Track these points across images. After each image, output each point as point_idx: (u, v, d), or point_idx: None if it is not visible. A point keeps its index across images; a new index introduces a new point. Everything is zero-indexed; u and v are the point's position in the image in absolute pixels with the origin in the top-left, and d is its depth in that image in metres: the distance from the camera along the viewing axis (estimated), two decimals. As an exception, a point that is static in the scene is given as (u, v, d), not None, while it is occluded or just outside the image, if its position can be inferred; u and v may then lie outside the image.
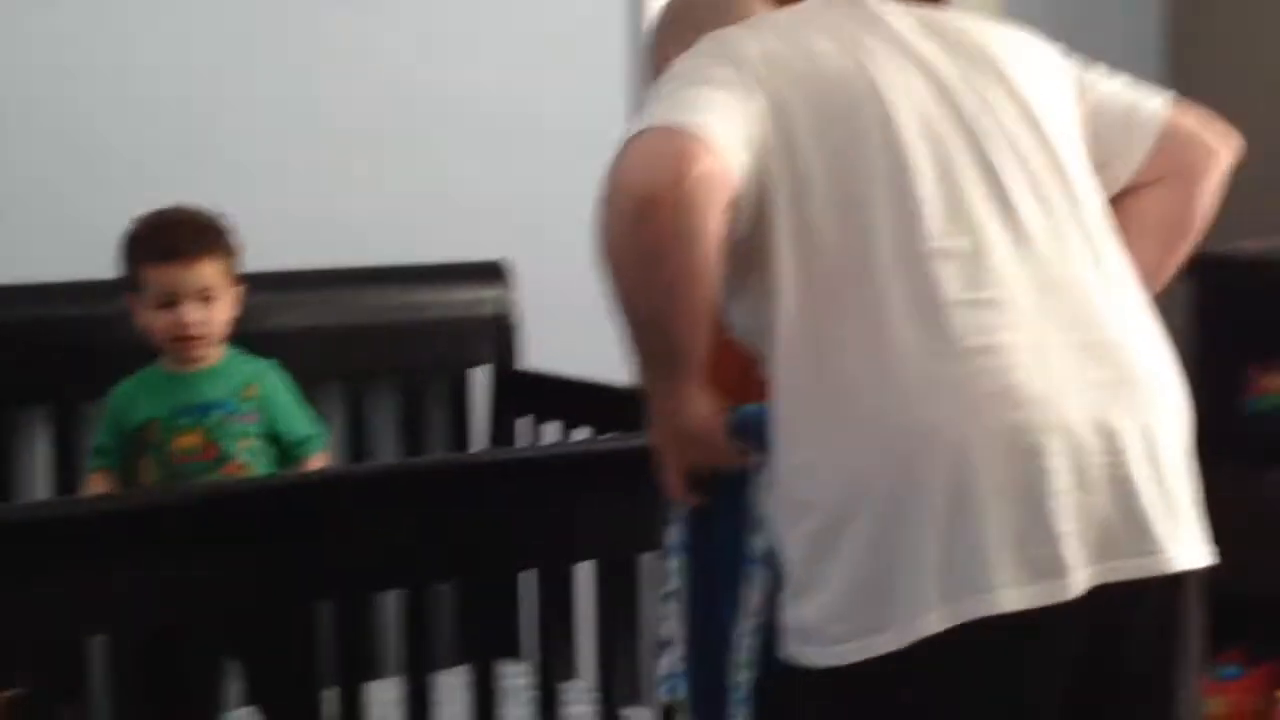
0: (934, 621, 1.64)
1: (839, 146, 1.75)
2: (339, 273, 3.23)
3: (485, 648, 2.34)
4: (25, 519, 2.12)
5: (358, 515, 2.17)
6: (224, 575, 2.07)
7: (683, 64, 1.80)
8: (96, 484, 2.74)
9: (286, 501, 2.17)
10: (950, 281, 1.71)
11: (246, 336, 2.78)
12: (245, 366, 2.75)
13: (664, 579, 2.05)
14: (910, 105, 1.77)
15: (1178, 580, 1.74)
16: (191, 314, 2.63)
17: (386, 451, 3.30)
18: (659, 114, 1.69)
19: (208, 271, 2.64)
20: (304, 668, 2.21)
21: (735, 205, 1.69)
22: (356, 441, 3.26)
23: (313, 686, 2.20)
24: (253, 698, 2.65)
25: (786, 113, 1.74)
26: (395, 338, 3.26)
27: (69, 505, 2.48)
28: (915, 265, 1.71)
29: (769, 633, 1.86)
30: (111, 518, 2.09)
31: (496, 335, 3.35)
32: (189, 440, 2.67)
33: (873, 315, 1.70)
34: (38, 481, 3.00)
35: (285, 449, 2.75)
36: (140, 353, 2.71)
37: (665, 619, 2.05)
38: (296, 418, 2.78)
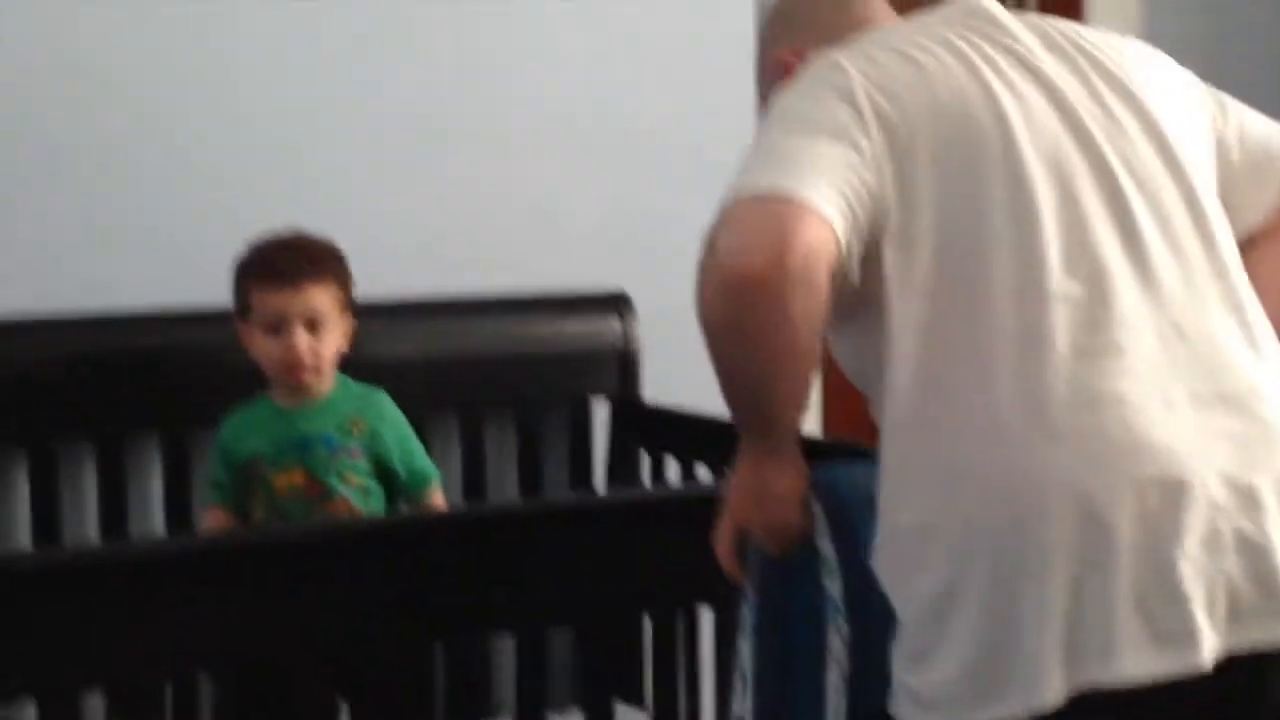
0: (1055, 687, 1.54)
1: (957, 176, 1.65)
2: (458, 302, 3.19)
3: (602, 691, 2.29)
4: (135, 556, 2.12)
5: (469, 556, 2.13)
6: (337, 615, 2.07)
7: (792, 100, 1.71)
8: (213, 518, 2.70)
9: (399, 542, 2.14)
10: (1071, 326, 1.60)
11: (362, 365, 2.74)
12: (352, 398, 2.69)
13: (735, 660, 1.99)
14: (1034, 129, 1.68)
15: None
16: (299, 339, 2.57)
17: (504, 484, 3.25)
18: (762, 175, 1.60)
19: (317, 297, 2.59)
20: (417, 708, 2.16)
21: (841, 267, 1.61)
22: (473, 473, 3.21)
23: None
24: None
25: (903, 146, 1.65)
26: (514, 368, 3.21)
27: (181, 542, 2.50)
28: (1034, 307, 1.61)
29: (859, 686, 1.80)
30: (222, 555, 2.09)
31: (618, 367, 3.28)
32: (292, 478, 2.62)
33: (986, 361, 1.61)
34: (152, 509, 2.98)
35: (397, 485, 2.69)
36: (252, 381, 2.68)
37: (738, 700, 1.97)
38: (408, 452, 2.71)
